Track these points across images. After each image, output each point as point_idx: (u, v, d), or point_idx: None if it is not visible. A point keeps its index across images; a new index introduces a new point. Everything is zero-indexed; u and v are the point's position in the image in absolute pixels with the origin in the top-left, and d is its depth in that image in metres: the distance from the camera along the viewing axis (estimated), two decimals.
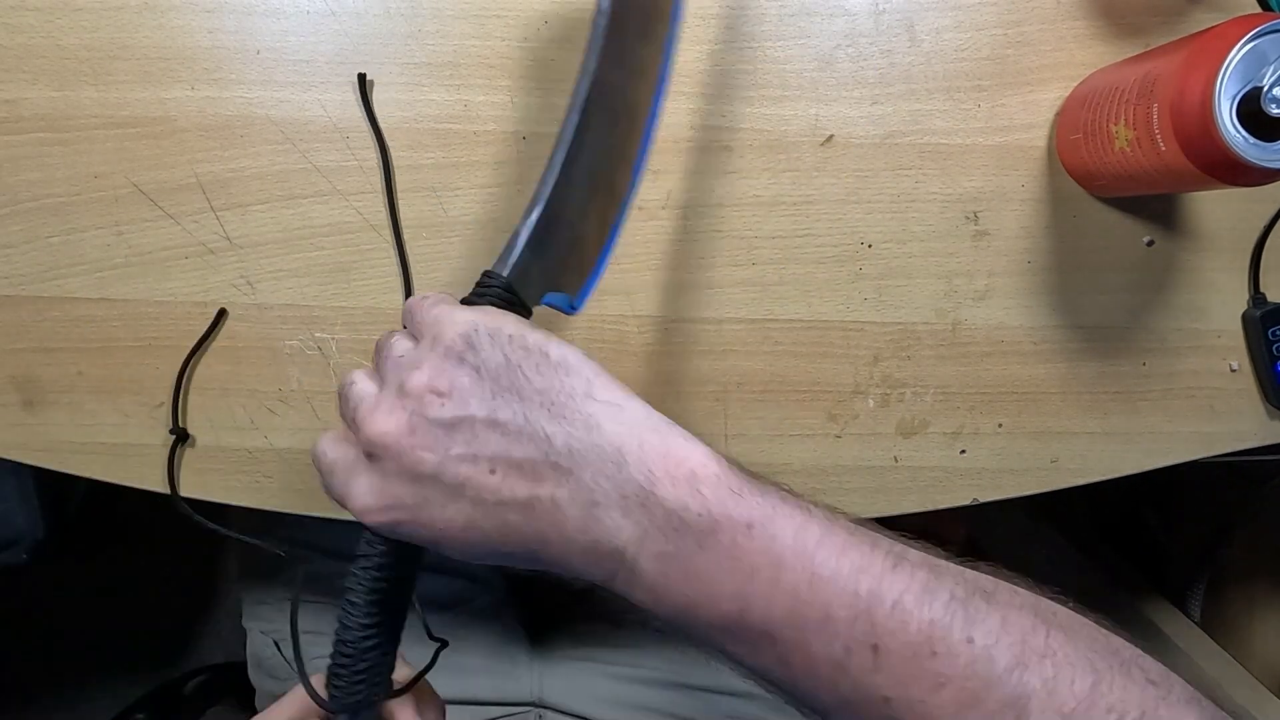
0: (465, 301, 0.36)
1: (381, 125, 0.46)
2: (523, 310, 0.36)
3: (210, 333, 0.46)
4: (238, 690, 0.71)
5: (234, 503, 0.49)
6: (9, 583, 1.10)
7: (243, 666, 0.67)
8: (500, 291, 0.35)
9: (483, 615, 0.66)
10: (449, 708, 0.63)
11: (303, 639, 0.66)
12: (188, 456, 0.48)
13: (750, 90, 0.46)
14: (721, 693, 0.63)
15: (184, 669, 1.07)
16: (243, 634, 0.67)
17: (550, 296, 0.37)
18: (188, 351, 0.47)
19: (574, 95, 0.37)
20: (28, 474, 0.72)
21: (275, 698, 0.68)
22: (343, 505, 0.33)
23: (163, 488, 0.48)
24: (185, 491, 0.49)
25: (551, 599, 0.69)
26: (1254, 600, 0.76)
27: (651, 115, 0.40)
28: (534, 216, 0.36)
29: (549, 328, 0.34)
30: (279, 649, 0.65)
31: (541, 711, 0.64)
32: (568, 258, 0.38)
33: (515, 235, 0.36)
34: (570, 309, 0.38)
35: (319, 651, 0.68)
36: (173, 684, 0.72)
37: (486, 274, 0.36)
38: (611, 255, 0.40)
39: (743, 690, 0.63)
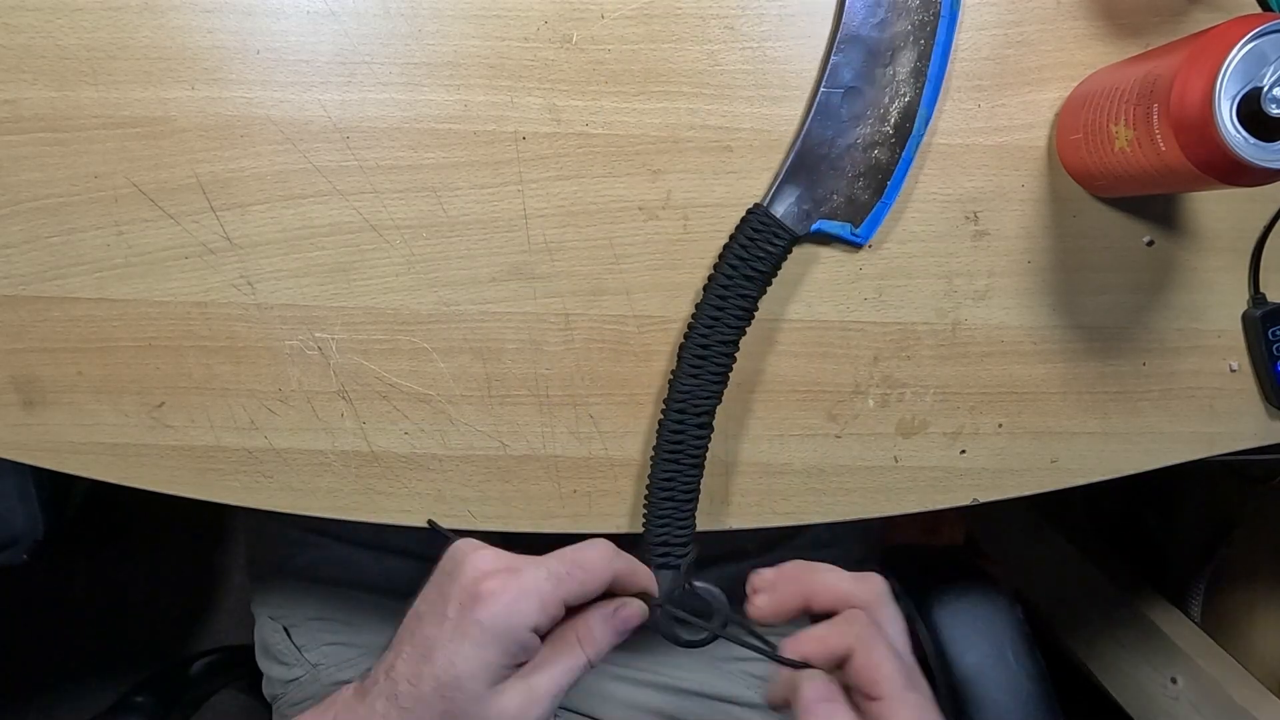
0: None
1: (381, 125, 0.46)
2: (785, 233, 0.44)
3: None
4: (248, 674, 0.71)
5: (234, 503, 0.49)
6: (9, 583, 1.11)
7: (252, 649, 0.68)
8: (760, 217, 0.44)
9: None
10: None
11: (310, 625, 0.67)
12: (188, 456, 0.48)
13: (750, 90, 0.46)
14: (729, 701, 0.63)
15: None
16: (243, 633, 0.67)
17: (825, 223, 0.44)
18: (188, 351, 0.47)
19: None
20: (28, 474, 0.72)
21: (284, 684, 0.68)
22: None
23: (163, 488, 0.48)
24: (185, 492, 0.49)
25: None
26: (1254, 600, 0.76)
27: (938, 50, 0.44)
28: (794, 147, 0.44)
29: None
30: (288, 635, 0.65)
31: (553, 711, 0.64)
32: (839, 187, 0.44)
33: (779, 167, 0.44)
34: (855, 237, 0.46)
35: (331, 638, 0.68)
36: (178, 664, 0.72)
37: (750, 210, 0.45)
38: (901, 189, 0.46)
39: (749, 700, 0.63)
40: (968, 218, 0.48)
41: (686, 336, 0.46)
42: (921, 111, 0.45)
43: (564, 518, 0.50)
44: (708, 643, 0.43)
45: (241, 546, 1.15)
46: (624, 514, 0.50)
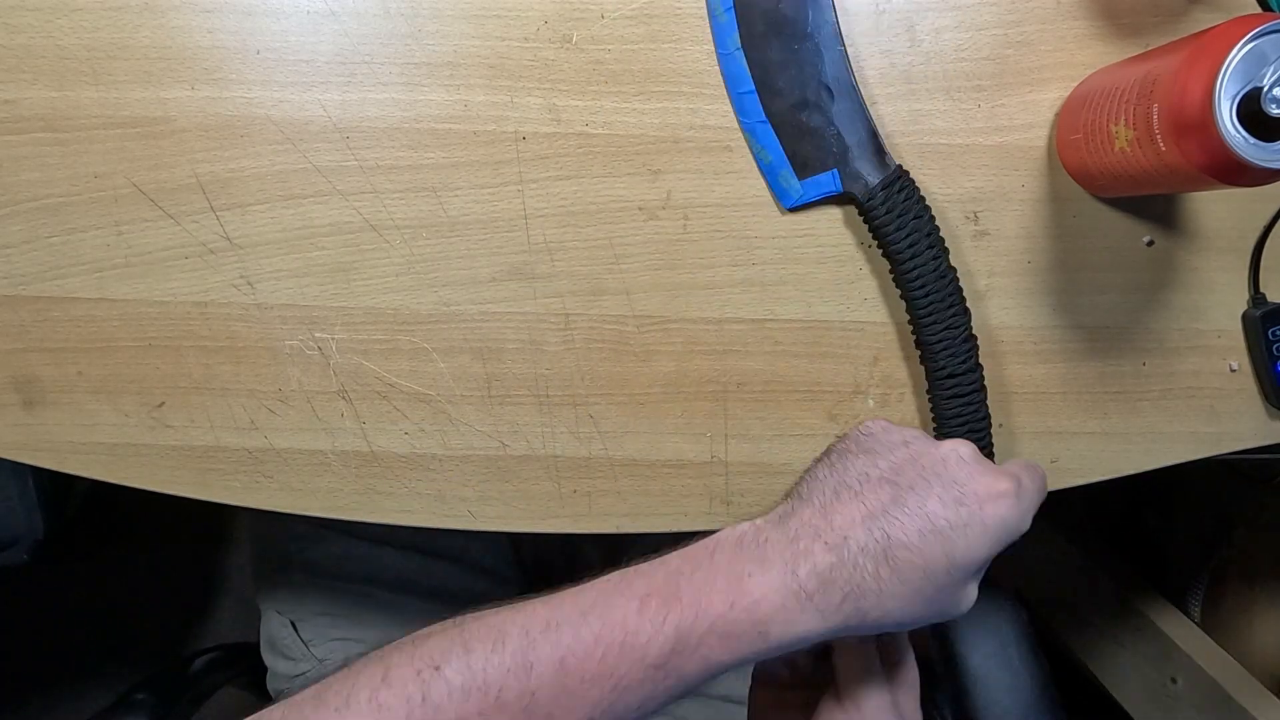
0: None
1: (381, 125, 0.46)
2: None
3: None
4: (249, 671, 0.71)
5: (234, 503, 0.49)
6: (9, 583, 1.11)
7: (252, 647, 0.68)
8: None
9: None
10: None
11: (317, 620, 0.67)
12: (188, 456, 0.48)
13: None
14: (736, 701, 0.63)
15: None
16: (244, 631, 0.67)
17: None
18: (188, 351, 0.47)
19: None
20: (28, 474, 0.72)
21: (290, 679, 0.68)
22: None
23: (163, 488, 0.48)
24: (185, 492, 0.49)
25: None
26: (1254, 600, 0.76)
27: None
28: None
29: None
30: (295, 630, 0.65)
31: None
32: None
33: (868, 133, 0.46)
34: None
35: (338, 634, 0.68)
36: (179, 662, 0.72)
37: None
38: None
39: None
40: (968, 218, 0.48)
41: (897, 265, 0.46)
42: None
43: (564, 518, 0.50)
44: None
45: (244, 545, 1.15)
46: (624, 514, 0.50)
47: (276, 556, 0.66)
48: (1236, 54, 0.36)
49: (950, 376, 0.47)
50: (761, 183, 0.47)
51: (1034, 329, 0.49)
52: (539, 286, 0.48)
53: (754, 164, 0.47)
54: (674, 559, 0.38)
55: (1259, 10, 0.47)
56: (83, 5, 0.44)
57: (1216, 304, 0.50)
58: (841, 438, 0.42)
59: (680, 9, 0.46)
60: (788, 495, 0.40)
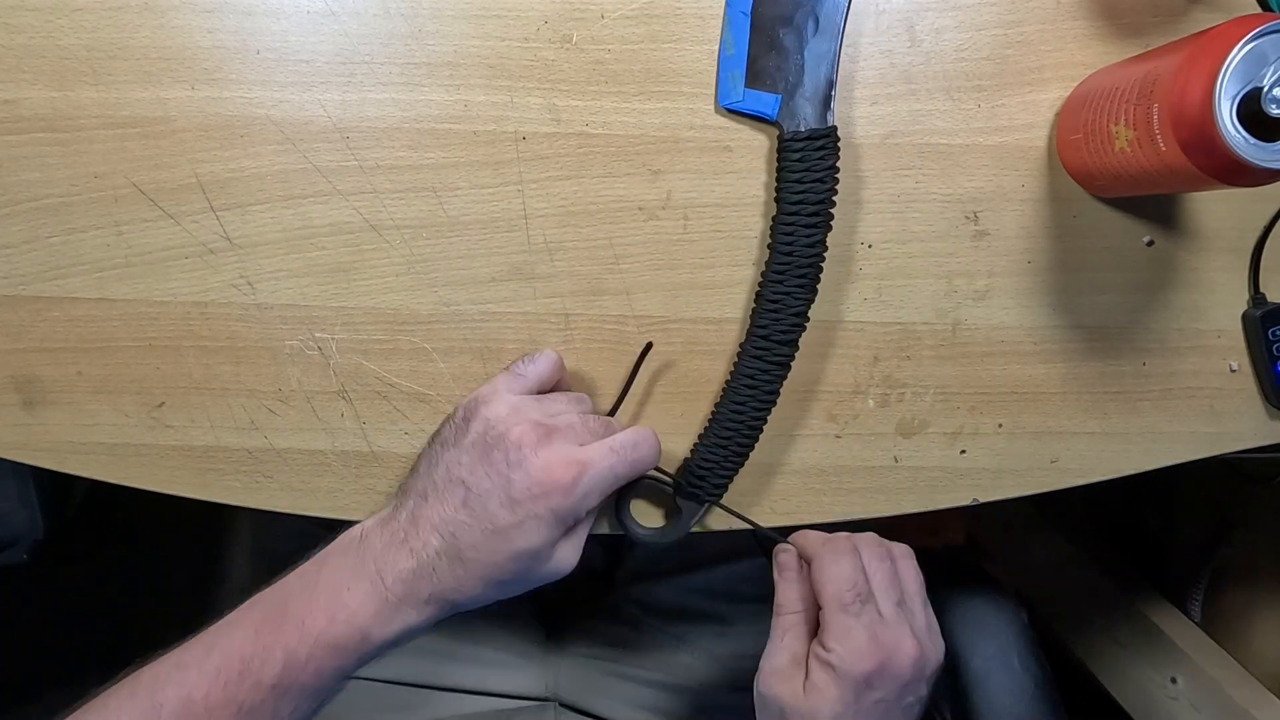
0: None
1: (381, 125, 0.46)
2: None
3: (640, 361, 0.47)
4: None
5: (234, 503, 0.49)
6: (9, 583, 1.10)
7: None
8: (793, 142, 0.46)
9: (500, 609, 0.66)
10: (463, 698, 0.64)
11: None
12: (188, 456, 0.48)
13: None
14: (743, 688, 0.63)
15: None
16: None
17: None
18: (188, 351, 0.47)
19: None
20: (28, 474, 0.72)
21: None
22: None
23: (163, 488, 0.48)
24: (185, 492, 0.49)
25: (568, 596, 0.69)
26: (1254, 600, 0.76)
27: None
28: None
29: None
30: None
31: (558, 707, 0.64)
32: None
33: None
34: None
35: None
36: None
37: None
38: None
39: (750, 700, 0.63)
40: (968, 218, 0.48)
41: (767, 264, 0.46)
42: None
43: None
44: (666, 536, 0.49)
45: (243, 545, 1.15)
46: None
47: (276, 556, 0.66)
48: (1236, 54, 0.36)
49: (766, 340, 0.46)
50: (761, 182, 0.47)
51: (1034, 329, 0.49)
52: (539, 286, 0.48)
53: (754, 163, 0.47)
54: (293, 578, 0.43)
55: (1259, 10, 0.47)
56: (83, 5, 0.44)
57: (1216, 304, 0.50)
58: (454, 411, 0.45)
59: (680, 9, 0.46)
60: (402, 485, 0.44)
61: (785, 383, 0.48)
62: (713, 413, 0.48)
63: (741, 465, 0.48)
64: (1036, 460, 0.51)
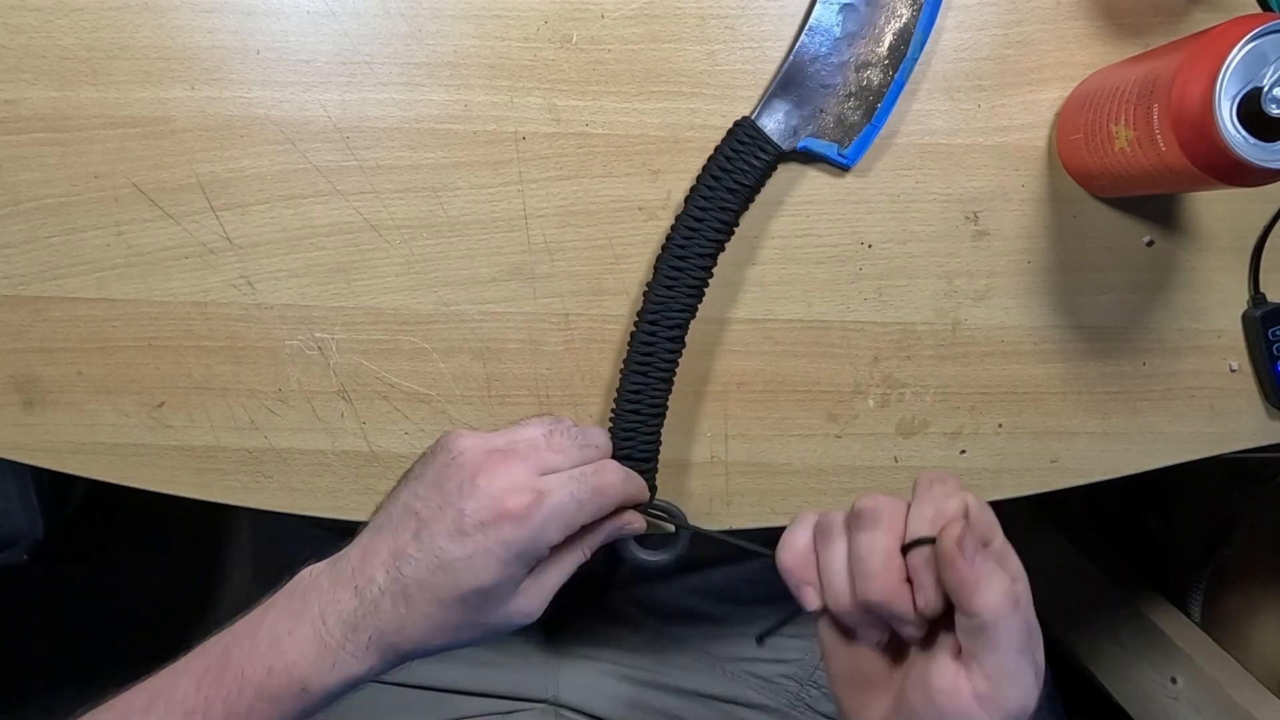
0: None
1: (381, 125, 0.46)
2: (770, 148, 0.44)
3: None
4: None
5: (234, 503, 0.49)
6: (9, 583, 1.10)
7: None
8: (746, 130, 0.44)
9: None
10: (462, 699, 0.64)
11: None
12: (188, 456, 0.48)
13: (750, 90, 0.46)
14: (737, 703, 0.63)
15: None
16: None
17: (812, 141, 0.44)
18: (188, 351, 0.47)
19: None
20: (28, 474, 0.72)
21: None
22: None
23: (163, 488, 0.48)
24: (185, 492, 0.49)
25: (569, 598, 0.69)
26: (1254, 600, 0.76)
27: None
28: (786, 61, 0.44)
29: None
30: None
31: (558, 709, 0.64)
32: (828, 106, 0.44)
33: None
34: (841, 159, 0.45)
35: None
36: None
37: (737, 122, 0.45)
38: (890, 114, 0.46)
39: (758, 702, 0.63)
40: (968, 218, 0.48)
41: (664, 248, 0.46)
42: (917, 35, 0.45)
43: None
44: (670, 565, 0.48)
45: (243, 545, 1.15)
46: None
47: (276, 557, 0.66)
48: (1236, 54, 0.36)
49: (652, 324, 0.45)
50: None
51: (1034, 329, 0.49)
52: (539, 286, 0.48)
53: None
54: (241, 623, 0.40)
55: (1259, 10, 0.47)
56: (83, 5, 0.44)
57: (1216, 304, 0.50)
58: (429, 446, 0.43)
59: (680, 9, 0.46)
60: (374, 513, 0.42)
61: (782, 382, 0.48)
62: (615, 395, 0.47)
63: (656, 436, 0.47)
64: (1036, 460, 0.51)
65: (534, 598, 0.40)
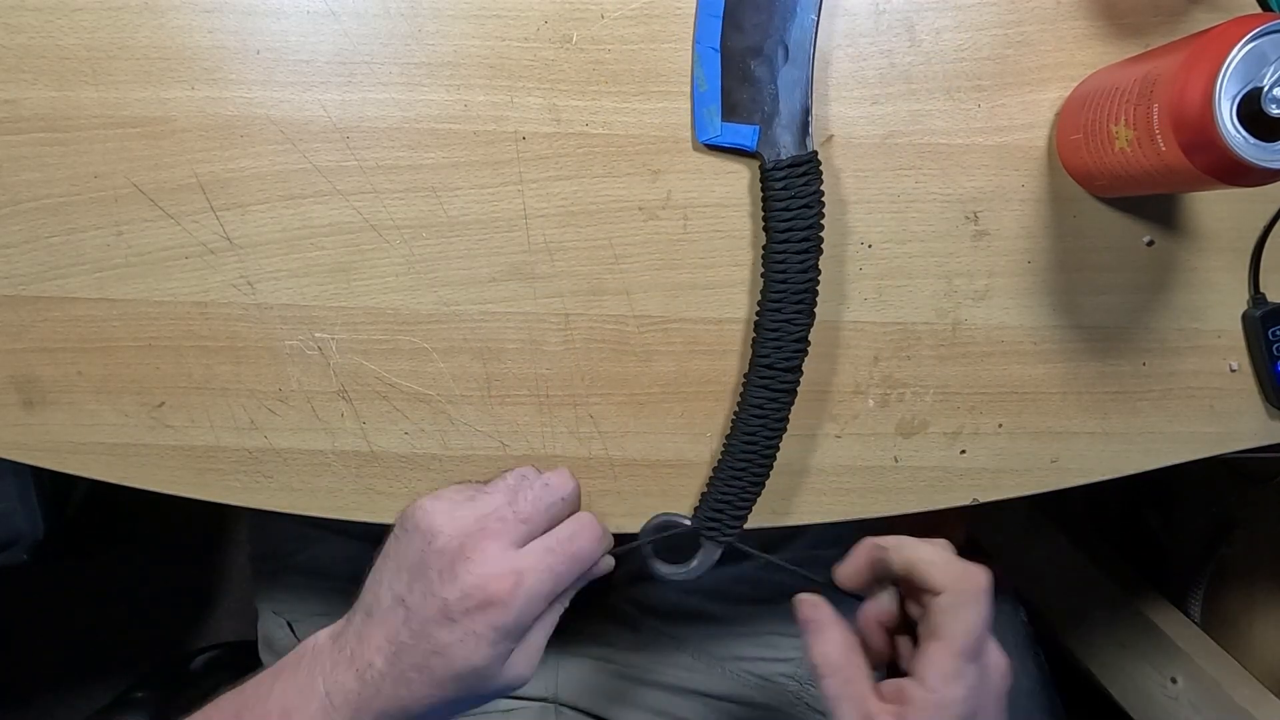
0: None
1: (381, 125, 0.46)
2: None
3: None
4: (248, 670, 0.71)
5: (234, 503, 0.49)
6: (9, 583, 1.11)
7: (252, 646, 0.68)
8: (775, 173, 0.45)
9: None
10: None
11: (314, 621, 0.67)
12: (188, 456, 0.48)
13: None
14: (736, 702, 0.63)
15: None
16: (243, 631, 0.67)
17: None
18: (188, 351, 0.47)
19: None
20: (28, 474, 0.72)
21: None
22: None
23: (163, 488, 0.48)
24: (185, 492, 0.49)
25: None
26: (1254, 600, 0.76)
27: None
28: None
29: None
30: (291, 630, 0.65)
31: (558, 707, 0.64)
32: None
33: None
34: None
35: None
36: (178, 660, 0.72)
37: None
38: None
39: (760, 701, 0.63)
40: (968, 218, 0.48)
41: (763, 293, 0.46)
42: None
43: None
44: (693, 573, 0.49)
45: (243, 545, 1.15)
46: (624, 514, 0.50)
47: (275, 557, 0.66)
48: (1236, 54, 0.36)
49: (769, 369, 0.46)
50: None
51: (1034, 329, 0.49)
52: (539, 286, 0.48)
53: (754, 164, 0.47)
54: (249, 689, 0.43)
55: (1259, 10, 0.47)
56: (83, 5, 0.44)
57: (1216, 304, 0.50)
58: (397, 519, 0.44)
59: (680, 9, 0.46)
60: (360, 594, 0.44)
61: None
62: (724, 447, 0.48)
63: (758, 497, 0.48)
64: (1036, 460, 0.51)
65: (524, 661, 0.42)
